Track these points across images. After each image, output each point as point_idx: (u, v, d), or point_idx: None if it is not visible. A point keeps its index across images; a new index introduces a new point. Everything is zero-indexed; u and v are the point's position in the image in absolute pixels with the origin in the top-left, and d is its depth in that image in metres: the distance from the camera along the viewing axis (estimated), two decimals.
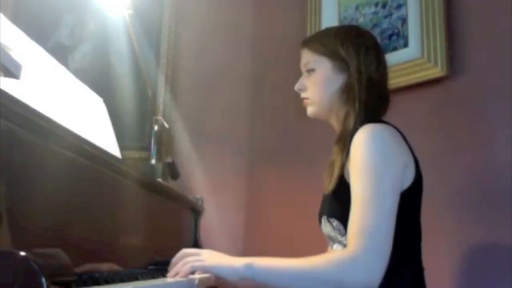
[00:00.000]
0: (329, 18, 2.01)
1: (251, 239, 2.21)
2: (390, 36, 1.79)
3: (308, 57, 1.22)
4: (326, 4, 2.04)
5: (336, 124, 1.21)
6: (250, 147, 2.31)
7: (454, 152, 1.58)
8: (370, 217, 0.96)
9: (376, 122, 1.08)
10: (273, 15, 2.37)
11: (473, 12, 1.61)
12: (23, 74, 0.93)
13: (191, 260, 1.01)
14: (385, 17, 1.83)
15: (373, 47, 1.20)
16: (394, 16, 1.81)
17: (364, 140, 1.03)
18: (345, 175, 1.08)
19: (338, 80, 1.17)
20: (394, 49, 1.76)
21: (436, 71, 1.63)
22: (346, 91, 1.15)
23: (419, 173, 1.09)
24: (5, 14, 1.12)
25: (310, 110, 1.23)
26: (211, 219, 1.98)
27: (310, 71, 1.21)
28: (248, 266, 0.97)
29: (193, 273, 1.03)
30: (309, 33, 2.05)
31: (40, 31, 2.30)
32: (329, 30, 1.30)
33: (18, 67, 0.91)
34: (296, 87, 1.24)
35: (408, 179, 1.06)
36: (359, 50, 1.16)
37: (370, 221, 0.96)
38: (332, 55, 1.18)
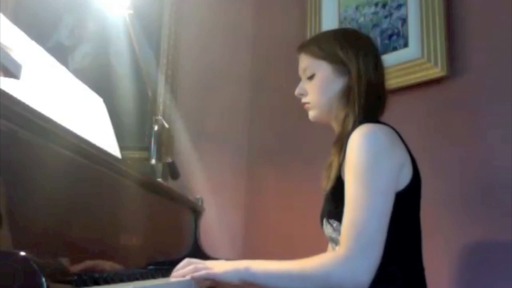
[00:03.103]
0: (329, 18, 2.01)
1: (251, 239, 2.21)
2: (390, 36, 1.79)
3: (307, 62, 1.22)
4: (326, 4, 2.04)
5: (337, 127, 1.21)
6: (250, 147, 2.31)
7: (453, 151, 1.58)
8: (358, 218, 0.97)
9: (373, 123, 1.08)
10: (273, 15, 2.37)
11: (473, 12, 1.61)
12: (23, 74, 0.93)
13: (200, 267, 1.03)
14: (385, 17, 1.83)
15: (371, 48, 1.21)
16: (394, 16, 1.80)
17: (357, 141, 1.04)
18: (342, 176, 1.08)
19: (338, 83, 1.17)
20: (394, 49, 1.76)
21: (436, 71, 1.63)
22: (346, 94, 1.16)
23: (416, 173, 1.09)
24: (5, 14, 1.12)
25: (312, 114, 1.23)
26: (211, 219, 1.98)
27: (310, 76, 1.21)
28: (247, 269, 1.00)
29: None
30: (309, 33, 2.05)
31: (40, 31, 2.30)
32: (326, 34, 1.30)
33: (18, 67, 0.91)
34: (297, 92, 1.24)
35: (404, 180, 1.06)
36: (358, 53, 1.16)
37: (358, 221, 0.97)
38: (332, 59, 1.18)
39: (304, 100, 1.23)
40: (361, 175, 1.00)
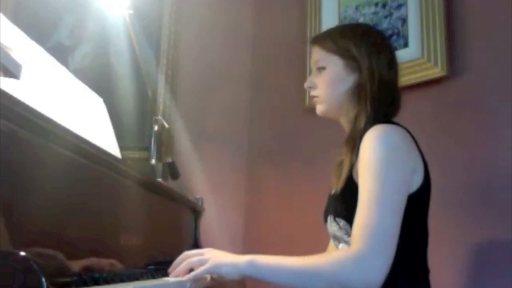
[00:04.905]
0: (329, 18, 2.01)
1: (251, 239, 2.21)
2: (390, 36, 1.79)
3: (319, 55, 1.20)
4: (326, 4, 2.04)
5: (345, 124, 1.20)
6: (250, 147, 2.31)
7: (454, 152, 1.58)
8: (372, 216, 0.96)
9: (386, 123, 1.07)
10: (273, 15, 2.37)
11: (473, 12, 1.61)
12: (23, 74, 0.93)
13: (194, 261, 1.01)
14: (385, 17, 1.83)
15: (385, 46, 1.19)
16: (394, 16, 1.80)
17: (373, 140, 1.03)
18: (354, 175, 1.07)
19: (348, 80, 1.16)
20: (394, 49, 1.76)
21: (436, 71, 1.63)
22: (357, 91, 1.14)
23: (428, 178, 1.08)
24: (5, 14, 1.12)
25: (320, 108, 1.21)
26: (211, 219, 1.98)
27: (321, 69, 1.19)
28: (250, 263, 0.98)
29: (192, 270, 1.03)
30: (309, 33, 2.05)
31: (40, 31, 2.30)
32: (341, 28, 1.28)
33: (18, 67, 0.91)
34: (306, 85, 1.23)
35: (416, 183, 1.05)
36: (371, 50, 1.15)
37: (372, 220, 0.95)
38: (344, 54, 1.16)
39: (313, 93, 1.22)
40: (375, 174, 0.99)
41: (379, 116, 1.10)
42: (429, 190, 1.10)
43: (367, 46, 1.16)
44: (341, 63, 1.17)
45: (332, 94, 1.18)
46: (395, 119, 1.14)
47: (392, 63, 1.18)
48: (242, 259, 0.99)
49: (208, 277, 1.06)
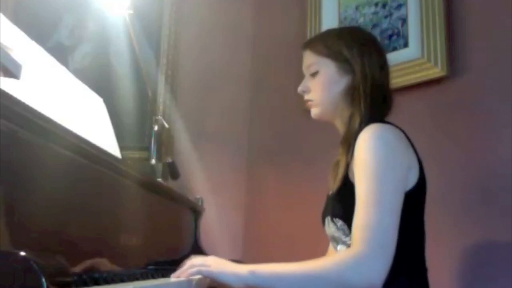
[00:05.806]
0: (329, 18, 2.01)
1: (251, 239, 2.21)
2: (390, 36, 1.79)
3: (311, 59, 1.21)
4: (326, 4, 2.04)
5: (340, 125, 1.21)
6: (250, 147, 2.31)
7: (453, 152, 1.58)
8: (371, 217, 0.96)
9: (380, 123, 1.08)
10: (273, 15, 2.37)
11: (473, 12, 1.61)
12: (23, 74, 0.93)
13: (198, 265, 1.02)
14: (385, 17, 1.83)
15: (376, 48, 1.20)
16: (394, 16, 1.81)
17: (368, 140, 1.03)
18: (349, 175, 1.08)
19: (342, 82, 1.17)
20: (394, 49, 1.76)
21: (436, 71, 1.63)
22: (351, 93, 1.15)
23: (423, 175, 1.09)
24: (5, 14, 1.12)
25: (314, 112, 1.22)
26: (211, 219, 1.98)
27: (314, 73, 1.20)
28: (252, 273, 0.98)
29: None
30: (309, 33, 2.05)
31: (40, 31, 2.30)
32: (331, 32, 1.29)
33: (18, 67, 0.91)
34: (300, 89, 1.24)
35: (411, 181, 1.06)
36: (363, 52, 1.16)
37: (371, 220, 0.96)
38: (337, 57, 1.17)
39: (307, 97, 1.23)
40: (372, 175, 0.99)
41: (373, 116, 1.11)
42: (425, 188, 1.10)
43: (359, 47, 1.17)
44: (334, 66, 1.18)
45: (326, 97, 1.19)
46: (393, 119, 1.15)
47: (383, 64, 1.19)
48: (244, 269, 0.99)
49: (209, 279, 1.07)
